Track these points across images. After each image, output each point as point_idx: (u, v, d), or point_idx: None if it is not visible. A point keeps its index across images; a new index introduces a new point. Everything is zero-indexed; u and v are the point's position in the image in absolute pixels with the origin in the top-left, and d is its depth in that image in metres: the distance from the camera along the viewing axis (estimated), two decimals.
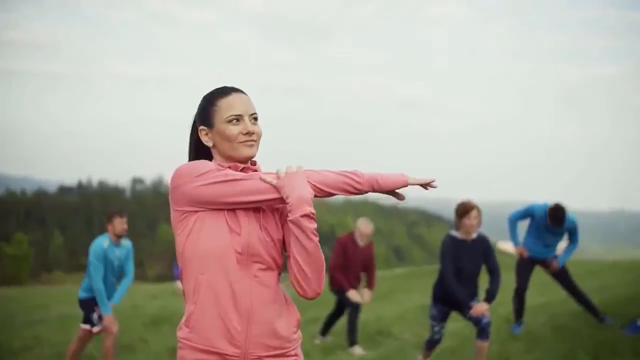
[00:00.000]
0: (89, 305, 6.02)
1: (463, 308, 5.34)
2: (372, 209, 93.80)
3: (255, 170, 2.17)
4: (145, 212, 73.82)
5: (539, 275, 7.55)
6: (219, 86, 2.21)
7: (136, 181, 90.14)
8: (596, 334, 6.33)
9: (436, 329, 5.61)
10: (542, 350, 6.09)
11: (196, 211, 2.05)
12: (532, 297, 7.63)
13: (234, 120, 2.11)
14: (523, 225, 7.05)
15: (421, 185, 2.16)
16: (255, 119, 2.16)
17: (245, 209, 2.08)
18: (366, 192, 2.15)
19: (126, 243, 6.20)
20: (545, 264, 7.01)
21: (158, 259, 60.24)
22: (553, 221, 6.65)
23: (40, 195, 79.77)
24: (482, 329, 5.29)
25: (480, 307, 5.24)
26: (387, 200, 2.11)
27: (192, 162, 2.11)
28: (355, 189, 2.12)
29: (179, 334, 2.11)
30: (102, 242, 5.97)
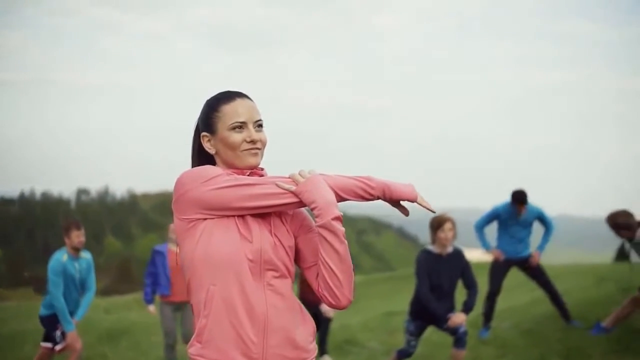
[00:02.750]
0: (51, 323, 5.75)
1: (439, 321, 5.31)
2: None
3: (262, 176, 2.07)
4: (91, 223, 72.12)
5: (517, 276, 7.61)
6: (223, 90, 2.10)
7: (81, 192, 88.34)
8: (564, 337, 6.39)
9: (412, 342, 5.56)
10: (513, 354, 6.11)
11: (205, 219, 1.94)
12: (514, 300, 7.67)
13: (238, 128, 2.02)
14: (492, 233, 7.11)
15: (424, 207, 2.12)
16: (260, 125, 2.06)
17: (255, 216, 1.98)
18: (377, 198, 2.08)
19: (86, 256, 5.95)
20: (523, 263, 7.05)
21: (105, 271, 58.87)
22: (518, 202, 6.78)
23: None
24: (459, 339, 5.27)
25: (457, 318, 5.22)
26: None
27: (197, 168, 2.00)
28: (369, 194, 2.05)
29: (191, 350, 1.98)
30: (60, 257, 5.71)
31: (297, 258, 2.08)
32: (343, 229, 1.94)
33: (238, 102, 2.04)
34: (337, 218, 1.92)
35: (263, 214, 2.00)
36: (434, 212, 2.11)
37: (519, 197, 6.82)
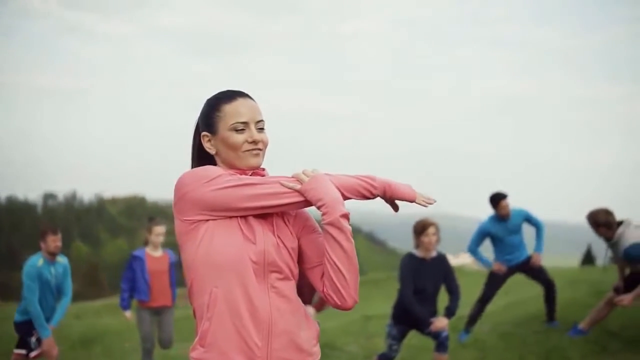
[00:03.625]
0: (26, 329, 5.62)
1: (422, 325, 5.31)
2: None
3: (263, 176, 2.03)
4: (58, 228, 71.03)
5: (478, 285, 7.64)
6: (224, 89, 2.06)
7: (48, 196, 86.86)
8: (543, 339, 6.45)
9: (394, 347, 5.56)
10: (493, 357, 6.15)
11: (207, 220, 1.90)
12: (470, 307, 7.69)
13: (240, 128, 1.97)
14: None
15: (424, 203, 2.10)
16: (262, 127, 2.02)
17: (257, 217, 1.95)
18: (378, 196, 2.07)
19: (63, 260, 5.84)
20: (524, 266, 7.05)
21: (72, 277, 58.05)
22: (497, 205, 6.81)
23: None
24: (441, 343, 5.29)
25: (440, 323, 5.23)
26: None
27: (198, 168, 1.96)
28: (372, 193, 2.04)
29: (193, 354, 1.94)
30: (35, 262, 5.61)
31: (300, 259, 2.04)
32: (350, 227, 1.92)
33: (240, 102, 2.00)
34: (344, 215, 1.90)
35: (265, 215, 1.97)
36: (434, 202, 2.10)
37: (497, 198, 6.86)
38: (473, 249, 7.08)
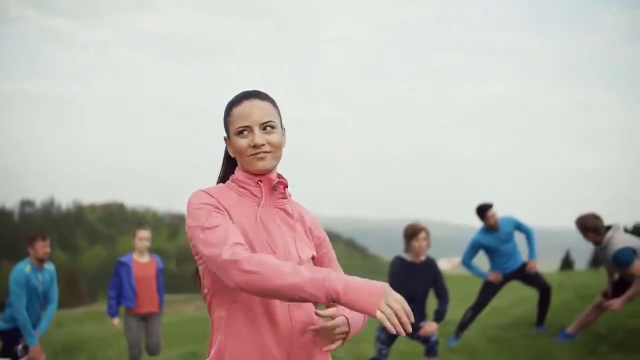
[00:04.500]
0: (11, 337, 5.54)
1: (412, 330, 5.31)
2: None
3: (286, 186, 2.01)
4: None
5: (462, 288, 7.68)
6: (243, 91, 2.01)
7: (25, 204, 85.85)
8: (532, 343, 6.48)
9: (384, 351, 5.55)
10: None
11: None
12: (458, 312, 7.71)
13: (244, 132, 1.92)
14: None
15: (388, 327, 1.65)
16: (270, 127, 1.93)
17: (278, 229, 1.93)
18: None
19: (49, 267, 5.78)
20: (520, 273, 7.05)
21: None
22: (484, 216, 6.84)
23: None
24: (430, 348, 5.30)
25: (429, 327, 5.24)
26: None
27: (194, 202, 1.88)
28: (315, 300, 1.73)
29: None
30: (23, 268, 5.53)
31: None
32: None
33: (245, 105, 1.94)
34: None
35: (286, 223, 1.96)
36: (407, 332, 1.65)
37: (483, 209, 6.89)
38: (467, 262, 7.10)
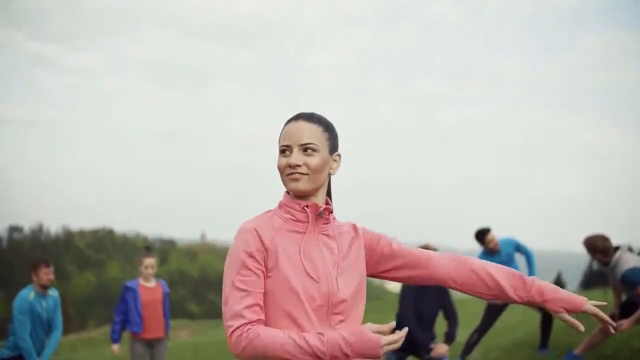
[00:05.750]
0: None
1: (422, 351, 5.29)
2: None
3: (331, 212, 1.99)
4: (24, 262, 69.43)
5: (463, 309, 7.64)
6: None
7: (13, 229, 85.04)
8: None
9: None
10: None
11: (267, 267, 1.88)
12: (460, 333, 7.68)
13: (285, 151, 1.94)
14: None
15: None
16: (311, 149, 1.91)
17: (319, 254, 1.91)
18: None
19: (53, 294, 5.73)
20: None
21: None
22: (483, 240, 6.88)
23: None
24: None
25: (440, 349, 5.24)
26: None
27: (239, 245, 1.89)
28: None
29: None
30: (27, 295, 5.48)
31: (379, 266, 2.05)
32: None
33: (290, 125, 1.96)
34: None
35: (329, 254, 1.93)
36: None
37: (482, 233, 6.94)
38: None
